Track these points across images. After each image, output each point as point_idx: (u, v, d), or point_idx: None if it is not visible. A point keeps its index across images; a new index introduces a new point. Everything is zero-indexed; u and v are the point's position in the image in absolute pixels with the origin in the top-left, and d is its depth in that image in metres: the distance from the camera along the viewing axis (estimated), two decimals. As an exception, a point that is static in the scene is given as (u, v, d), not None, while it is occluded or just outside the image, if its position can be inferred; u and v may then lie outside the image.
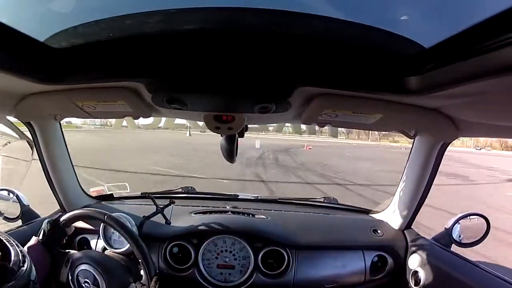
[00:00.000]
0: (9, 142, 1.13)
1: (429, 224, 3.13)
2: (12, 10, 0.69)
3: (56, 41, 0.64)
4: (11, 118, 1.08)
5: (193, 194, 1.75)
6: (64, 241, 1.12)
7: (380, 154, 19.28)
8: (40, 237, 1.03)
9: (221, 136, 1.08)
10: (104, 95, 0.86)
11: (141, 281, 0.97)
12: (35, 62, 0.63)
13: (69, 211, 1.42)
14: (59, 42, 0.64)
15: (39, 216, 1.40)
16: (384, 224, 1.46)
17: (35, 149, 1.28)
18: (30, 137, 1.24)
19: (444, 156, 1.21)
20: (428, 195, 1.29)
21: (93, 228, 1.31)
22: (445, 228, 1.31)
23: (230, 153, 1.11)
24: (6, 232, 1.21)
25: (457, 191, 8.58)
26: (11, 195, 1.37)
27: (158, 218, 1.31)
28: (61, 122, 1.29)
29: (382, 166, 12.04)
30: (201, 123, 1.13)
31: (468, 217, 1.31)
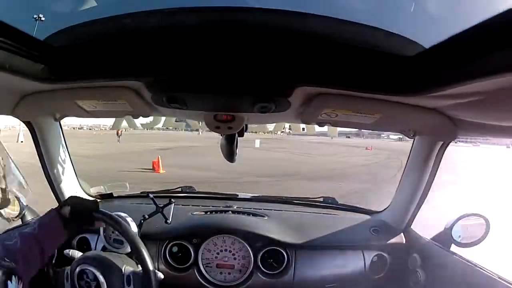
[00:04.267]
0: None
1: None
2: (12, 8, 0.69)
3: (56, 40, 0.64)
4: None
5: (192, 193, 1.75)
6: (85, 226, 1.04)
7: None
8: (61, 210, 0.94)
9: (221, 135, 1.08)
10: (104, 94, 0.86)
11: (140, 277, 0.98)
12: (35, 61, 0.63)
13: None
14: (60, 41, 0.64)
15: (38, 215, 1.40)
16: (384, 224, 1.46)
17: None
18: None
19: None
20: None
21: (93, 227, 1.31)
22: (445, 228, 1.30)
23: (230, 152, 1.11)
24: (5, 232, 1.21)
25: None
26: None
27: (158, 218, 1.31)
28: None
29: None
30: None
31: (468, 217, 1.31)
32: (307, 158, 15.80)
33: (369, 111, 0.85)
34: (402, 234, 1.40)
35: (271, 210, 1.53)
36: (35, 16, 0.62)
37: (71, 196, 1.03)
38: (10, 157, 1.19)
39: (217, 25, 0.61)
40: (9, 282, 0.70)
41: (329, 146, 24.84)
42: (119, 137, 22.46)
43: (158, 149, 16.11)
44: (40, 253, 0.86)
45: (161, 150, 14.46)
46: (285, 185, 7.71)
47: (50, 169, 1.34)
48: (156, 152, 12.99)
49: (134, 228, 1.25)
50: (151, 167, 9.40)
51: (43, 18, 0.62)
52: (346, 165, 12.99)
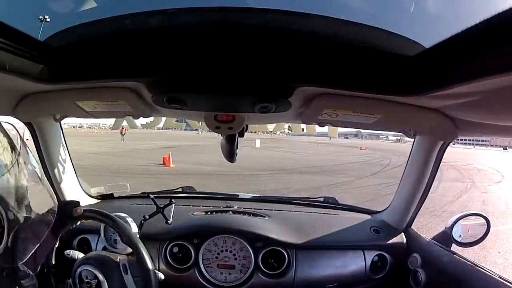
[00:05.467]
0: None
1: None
2: (12, 9, 0.69)
3: (56, 41, 0.64)
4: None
5: (193, 193, 1.75)
6: (73, 226, 1.07)
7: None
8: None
9: (221, 136, 1.08)
10: (104, 95, 0.86)
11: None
12: (35, 61, 0.63)
13: None
14: (59, 41, 0.64)
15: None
16: (384, 224, 1.46)
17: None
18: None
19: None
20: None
21: (93, 228, 1.31)
22: (445, 227, 1.31)
23: (231, 153, 1.11)
24: None
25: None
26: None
27: (158, 218, 1.31)
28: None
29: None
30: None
31: (468, 217, 1.32)
32: (303, 156, 16.96)
33: (369, 111, 0.85)
34: (402, 234, 1.40)
35: (272, 210, 1.53)
36: (40, 17, 0.62)
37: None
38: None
39: (217, 25, 0.61)
40: None
41: (326, 146, 27.13)
42: (123, 136, 22.21)
43: (161, 147, 16.93)
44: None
45: (165, 149, 15.19)
46: (281, 178, 9.20)
47: (50, 170, 1.34)
48: (160, 150, 14.34)
49: (134, 228, 1.25)
50: (161, 163, 10.62)
51: (48, 19, 0.62)
52: (337, 163, 14.10)
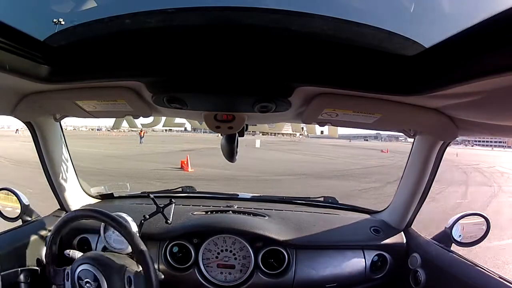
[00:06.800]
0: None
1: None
2: (12, 9, 0.69)
3: (56, 41, 0.64)
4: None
5: (193, 193, 1.75)
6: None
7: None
8: None
9: (221, 135, 1.08)
10: (104, 95, 0.86)
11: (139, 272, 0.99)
12: (35, 61, 0.63)
13: (69, 211, 1.43)
14: (59, 41, 0.64)
15: (39, 216, 1.40)
16: (384, 224, 1.46)
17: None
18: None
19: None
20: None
21: (93, 227, 1.31)
22: (445, 227, 1.31)
23: (231, 152, 1.11)
24: (6, 232, 1.21)
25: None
26: (12, 194, 1.38)
27: (158, 218, 1.31)
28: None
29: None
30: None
31: (468, 217, 1.31)
32: (325, 159, 16.39)
33: (369, 110, 0.85)
34: (402, 233, 1.40)
35: (272, 210, 1.53)
36: (54, 20, 0.62)
37: None
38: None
39: (217, 25, 0.61)
40: None
41: (346, 149, 26.70)
42: (141, 138, 21.91)
43: (181, 150, 16.79)
44: None
45: (184, 152, 15.08)
46: (304, 182, 8.67)
47: (51, 170, 1.34)
48: (180, 153, 14.14)
49: (134, 228, 1.25)
50: (179, 167, 10.03)
51: (62, 22, 0.62)
52: (359, 166, 13.26)
